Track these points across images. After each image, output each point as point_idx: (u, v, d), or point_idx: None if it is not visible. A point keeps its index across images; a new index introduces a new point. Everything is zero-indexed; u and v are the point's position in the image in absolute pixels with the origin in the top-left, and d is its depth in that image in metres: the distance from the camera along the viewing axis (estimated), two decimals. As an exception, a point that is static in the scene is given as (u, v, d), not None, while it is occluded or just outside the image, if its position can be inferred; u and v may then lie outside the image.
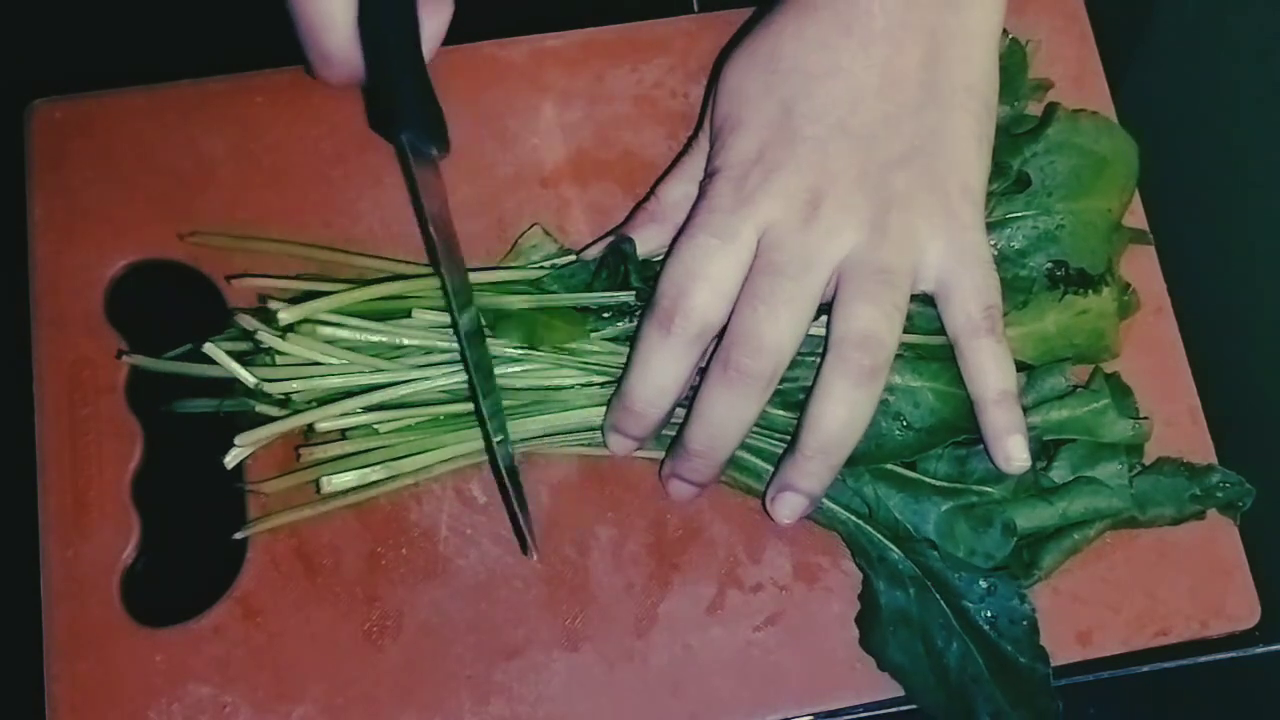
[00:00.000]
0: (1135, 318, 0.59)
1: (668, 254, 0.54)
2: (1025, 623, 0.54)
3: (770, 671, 0.55)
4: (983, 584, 0.54)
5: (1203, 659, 0.58)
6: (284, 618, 0.55)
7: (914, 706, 0.55)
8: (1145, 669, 0.57)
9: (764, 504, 0.55)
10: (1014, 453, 0.53)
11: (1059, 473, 0.55)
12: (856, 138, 0.53)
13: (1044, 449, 0.55)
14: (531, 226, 0.59)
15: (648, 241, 0.57)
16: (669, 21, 0.63)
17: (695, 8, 0.66)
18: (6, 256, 0.59)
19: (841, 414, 0.52)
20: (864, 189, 0.52)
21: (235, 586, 0.55)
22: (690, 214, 0.54)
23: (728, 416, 0.52)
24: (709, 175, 0.54)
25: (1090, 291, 0.57)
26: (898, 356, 0.53)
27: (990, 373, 0.53)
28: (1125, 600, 0.57)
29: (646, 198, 0.58)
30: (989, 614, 0.54)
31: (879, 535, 0.55)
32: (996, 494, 0.54)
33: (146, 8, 0.65)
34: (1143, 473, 0.56)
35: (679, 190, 0.57)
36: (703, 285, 0.52)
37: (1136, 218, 0.61)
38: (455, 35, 0.61)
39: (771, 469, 0.55)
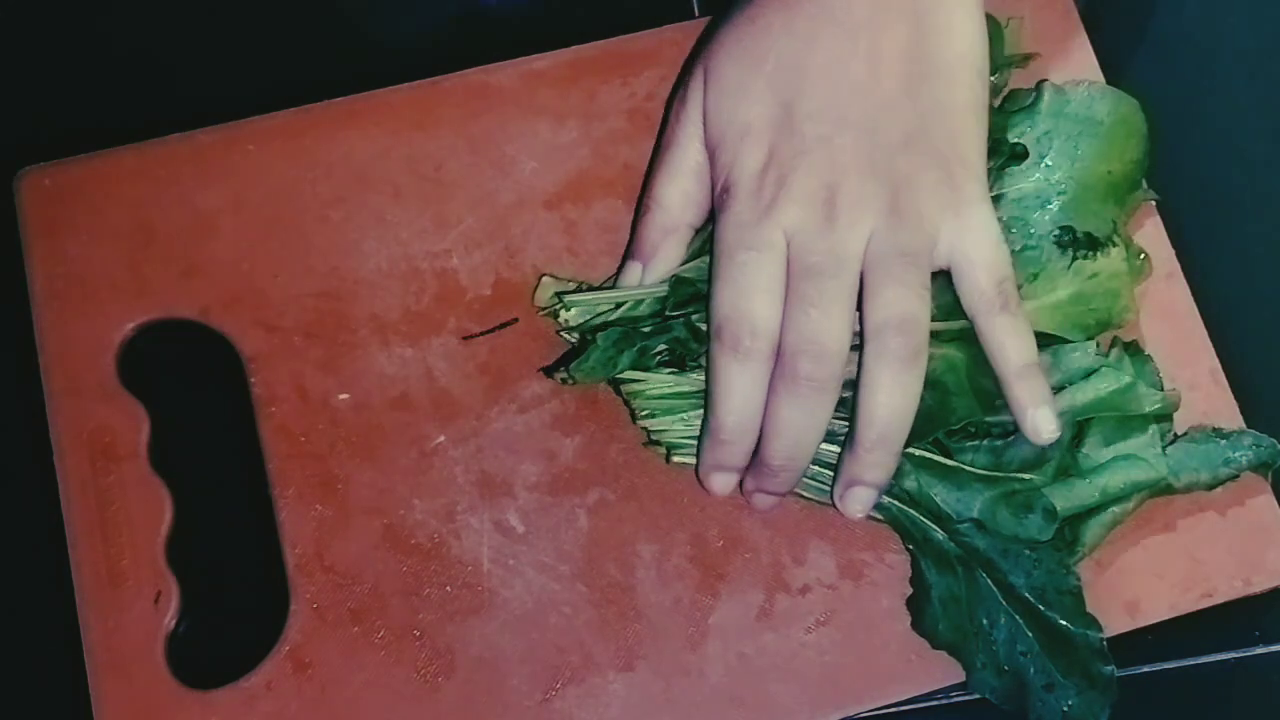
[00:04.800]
0: (1148, 285, 0.60)
1: (709, 279, 0.54)
2: (1071, 593, 0.54)
3: (826, 672, 0.55)
4: (1027, 558, 0.54)
5: (1203, 659, 0.58)
6: (335, 667, 0.54)
7: (972, 696, 0.55)
8: (1145, 669, 0.58)
9: (832, 501, 0.55)
10: (1042, 424, 0.54)
11: (1092, 448, 0.55)
12: (858, 128, 0.53)
13: (1075, 427, 0.55)
14: (541, 279, 0.58)
15: (669, 256, 0.57)
16: (656, 33, 0.63)
17: (696, 12, 0.66)
18: (10, 331, 0.58)
19: (895, 400, 0.52)
20: (874, 177, 0.53)
21: (283, 640, 0.54)
22: (716, 232, 0.54)
23: (804, 426, 0.53)
24: (725, 189, 0.54)
25: (1098, 254, 0.57)
26: None
27: (1010, 347, 0.54)
28: (1168, 566, 0.57)
29: (639, 209, 0.58)
30: (1035, 588, 0.54)
31: (923, 518, 0.55)
32: (1036, 480, 0.54)
33: (125, 66, 0.65)
34: (1175, 441, 0.57)
35: (676, 190, 0.57)
36: (758, 299, 0.52)
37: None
38: (442, 64, 0.62)
39: (813, 465, 0.55)
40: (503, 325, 0.58)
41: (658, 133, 0.60)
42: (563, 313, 0.56)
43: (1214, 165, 0.66)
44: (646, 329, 0.56)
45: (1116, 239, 0.57)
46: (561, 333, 0.57)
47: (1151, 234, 0.61)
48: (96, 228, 0.59)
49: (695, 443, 0.56)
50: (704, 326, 0.54)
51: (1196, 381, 0.59)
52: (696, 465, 0.56)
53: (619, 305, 0.56)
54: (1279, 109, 0.67)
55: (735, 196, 0.54)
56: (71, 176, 0.59)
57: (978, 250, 0.54)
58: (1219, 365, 0.60)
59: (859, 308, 0.53)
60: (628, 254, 0.58)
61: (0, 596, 0.57)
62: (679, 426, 0.55)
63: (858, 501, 0.54)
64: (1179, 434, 0.57)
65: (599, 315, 0.57)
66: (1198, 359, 0.60)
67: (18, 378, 0.57)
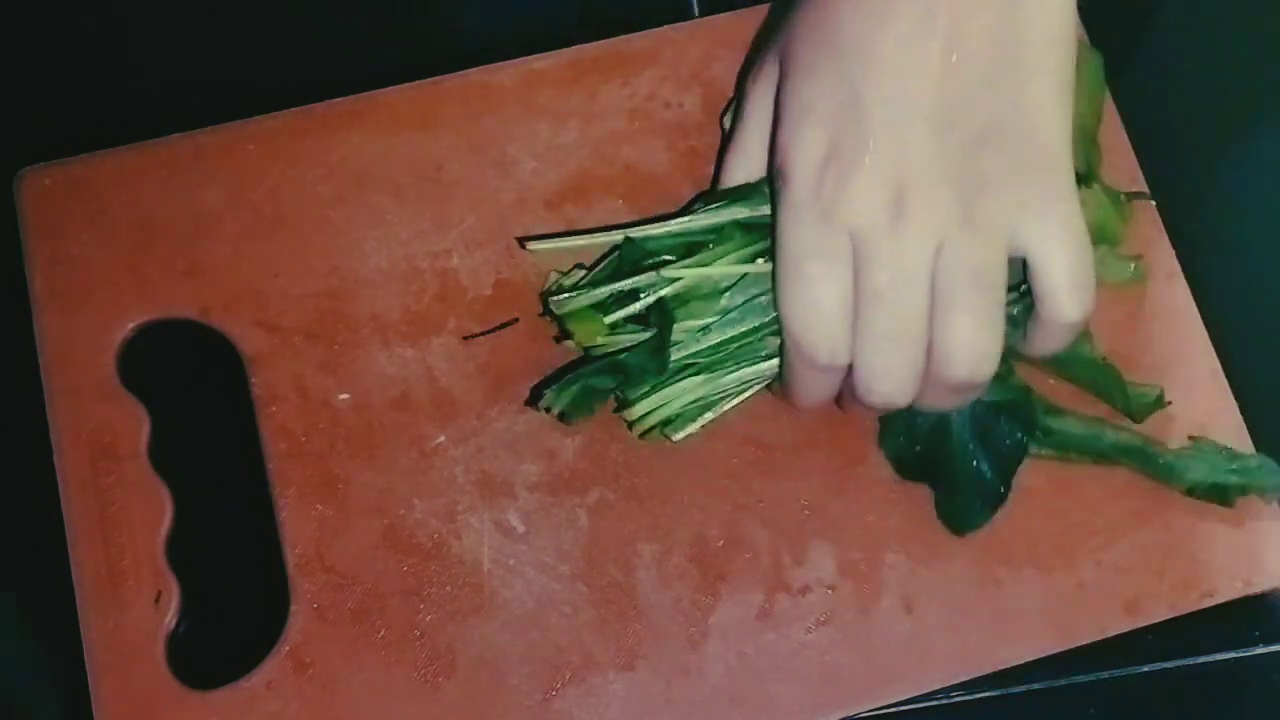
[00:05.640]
0: (1146, 284, 0.60)
1: (774, 278, 0.52)
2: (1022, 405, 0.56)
3: (827, 672, 0.55)
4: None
5: (1203, 659, 0.58)
6: (335, 667, 0.54)
7: (972, 696, 0.56)
8: (1145, 669, 0.58)
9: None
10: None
11: None
12: (931, 120, 0.49)
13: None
14: (550, 275, 0.58)
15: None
16: (656, 32, 0.63)
17: (696, 12, 0.65)
18: (10, 331, 0.58)
19: (946, 409, 0.54)
20: (947, 177, 0.49)
21: (283, 640, 0.54)
22: (777, 224, 0.51)
23: (882, 409, 0.53)
24: (780, 171, 0.51)
25: (1082, 186, 0.54)
26: None
27: (1049, 346, 0.53)
28: (1168, 566, 0.57)
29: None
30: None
31: None
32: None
33: (125, 66, 0.65)
34: (1183, 450, 0.57)
35: (741, 173, 0.56)
36: (833, 319, 0.50)
37: (1137, 186, 0.62)
38: (443, 64, 0.62)
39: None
40: (503, 325, 0.58)
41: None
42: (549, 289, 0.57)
43: (1214, 165, 0.66)
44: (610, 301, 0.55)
45: (1094, 178, 0.58)
46: (547, 314, 0.57)
47: (1151, 234, 0.61)
48: (97, 228, 0.59)
49: (686, 412, 0.56)
50: (667, 298, 0.54)
51: (1196, 381, 0.59)
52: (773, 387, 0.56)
53: (591, 268, 0.57)
54: (1278, 108, 0.67)
55: (791, 186, 0.50)
56: (71, 176, 0.59)
57: (1060, 252, 0.50)
58: (1219, 365, 0.60)
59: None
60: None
61: (0, 596, 0.57)
62: (660, 397, 0.55)
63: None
64: (1192, 437, 0.58)
65: (577, 287, 0.57)
66: (1198, 359, 0.60)
67: (18, 378, 0.57)
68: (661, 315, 0.54)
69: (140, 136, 0.60)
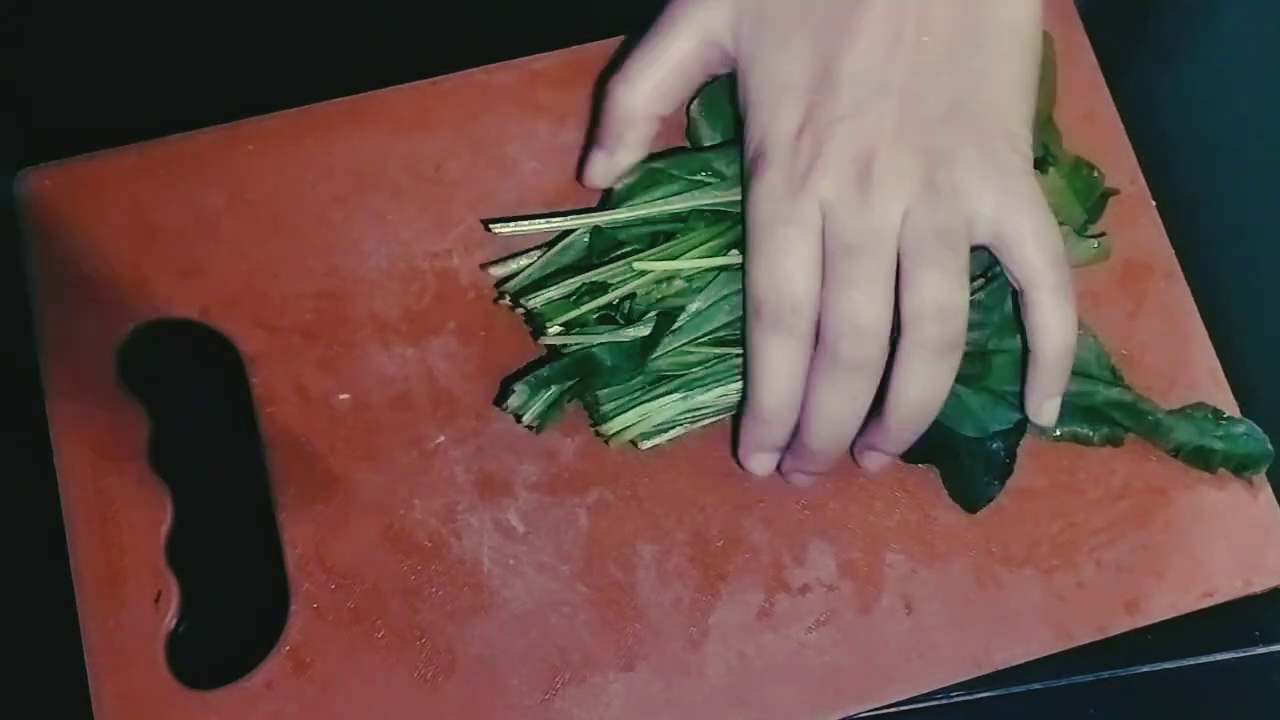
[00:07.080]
0: (1147, 284, 0.60)
1: (744, 249, 0.53)
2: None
3: (827, 672, 0.55)
4: None
5: (1203, 659, 0.58)
6: (335, 667, 0.54)
7: (972, 696, 0.56)
8: (1145, 669, 0.58)
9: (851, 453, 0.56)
10: (1046, 415, 0.55)
11: None
12: (897, 94, 0.51)
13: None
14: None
15: (634, 145, 0.57)
16: (656, 33, 0.63)
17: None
18: (10, 331, 0.58)
19: (928, 391, 0.52)
20: (911, 149, 0.51)
21: (283, 640, 0.54)
22: (749, 201, 0.52)
23: (846, 409, 0.52)
24: (759, 153, 0.53)
25: (1039, 170, 0.56)
26: None
27: (1053, 331, 0.53)
28: (1168, 565, 0.57)
29: (600, 93, 0.58)
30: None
31: None
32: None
33: (125, 67, 0.65)
34: (1173, 411, 0.58)
35: (650, 79, 0.56)
36: (798, 276, 0.51)
37: (1138, 186, 0.62)
38: (442, 64, 0.62)
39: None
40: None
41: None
42: (495, 269, 0.58)
43: (1214, 165, 0.66)
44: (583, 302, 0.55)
45: (1051, 159, 0.58)
46: (501, 300, 0.58)
47: (1151, 234, 0.61)
48: (97, 228, 0.59)
49: (659, 428, 0.56)
50: (636, 293, 0.55)
51: (1196, 381, 0.59)
52: (734, 445, 0.56)
53: (548, 248, 0.57)
54: (1278, 109, 0.67)
55: (770, 163, 0.52)
56: (72, 176, 0.59)
57: (1026, 222, 0.52)
58: (1219, 365, 0.60)
59: (896, 289, 0.52)
60: (589, 145, 0.58)
61: (0, 596, 0.57)
62: (638, 414, 0.55)
63: (874, 463, 0.56)
64: (1185, 407, 0.58)
65: (531, 272, 0.57)
66: (1198, 359, 0.60)
67: (18, 378, 0.57)
68: (660, 317, 0.54)
69: (140, 136, 0.60)
